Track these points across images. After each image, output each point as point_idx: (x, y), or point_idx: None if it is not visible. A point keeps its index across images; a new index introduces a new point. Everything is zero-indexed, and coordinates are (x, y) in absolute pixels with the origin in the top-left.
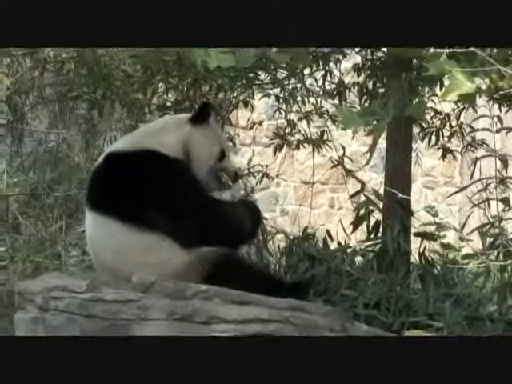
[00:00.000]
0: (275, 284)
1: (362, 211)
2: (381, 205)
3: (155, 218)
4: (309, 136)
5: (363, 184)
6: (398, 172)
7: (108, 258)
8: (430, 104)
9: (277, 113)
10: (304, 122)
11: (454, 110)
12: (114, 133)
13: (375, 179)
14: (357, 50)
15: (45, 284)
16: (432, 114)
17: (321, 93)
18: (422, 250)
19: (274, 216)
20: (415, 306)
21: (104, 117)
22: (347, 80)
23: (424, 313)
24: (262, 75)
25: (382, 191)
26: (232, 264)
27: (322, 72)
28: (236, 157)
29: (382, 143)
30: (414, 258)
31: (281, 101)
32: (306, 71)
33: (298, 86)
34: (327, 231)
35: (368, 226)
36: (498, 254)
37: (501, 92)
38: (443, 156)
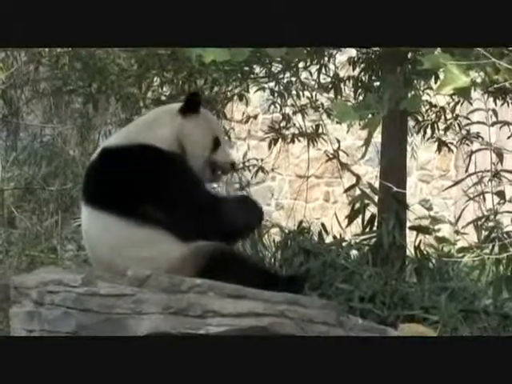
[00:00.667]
0: (270, 278)
1: (358, 205)
2: (376, 198)
3: (151, 212)
4: (304, 130)
5: (358, 178)
6: (394, 165)
7: (104, 252)
8: (425, 97)
9: (272, 107)
10: (299, 116)
11: (448, 104)
12: (109, 127)
13: (370, 173)
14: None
15: (40, 278)
16: (427, 107)
17: (316, 86)
18: (417, 243)
19: (269, 210)
20: (410, 299)
21: (99, 111)
22: (342, 74)
23: (419, 306)
24: (257, 69)
25: (377, 185)
26: (227, 258)
27: (317, 66)
28: (231, 151)
29: (378, 137)
30: (410, 251)
31: (276, 95)
32: (301, 65)
33: (293, 79)
34: (322, 225)
35: (363, 220)
36: (493, 247)
37: (496, 85)
38: (439, 149)
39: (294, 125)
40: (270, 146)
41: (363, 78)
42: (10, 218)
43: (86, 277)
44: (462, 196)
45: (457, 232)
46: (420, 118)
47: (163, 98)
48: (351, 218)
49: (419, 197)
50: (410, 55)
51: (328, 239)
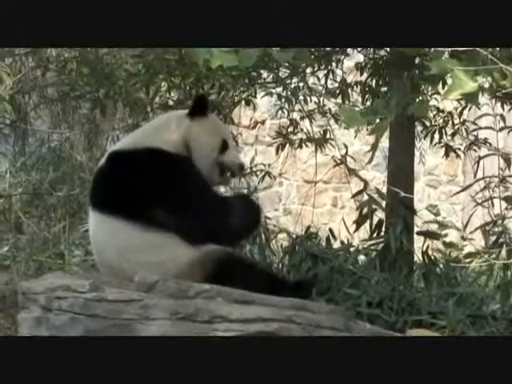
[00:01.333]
0: (278, 283)
1: (365, 210)
2: (384, 204)
3: (159, 216)
4: (311, 135)
5: (366, 183)
6: (401, 171)
7: (111, 257)
8: (432, 102)
9: (279, 112)
10: (306, 121)
11: (456, 109)
12: (116, 132)
13: (378, 178)
14: (359, 48)
15: (48, 284)
16: (435, 112)
17: (323, 92)
18: (424, 248)
19: (276, 215)
20: (418, 304)
21: (107, 116)
22: (350, 79)
23: (427, 311)
24: (265, 74)
25: (384, 190)
26: (235, 263)
27: (325, 71)
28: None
29: (385, 142)
30: (417, 256)
31: (283, 100)
32: (309, 70)
33: (301, 84)
34: (330, 230)
35: (371, 225)
36: (501, 252)
37: (503, 91)
38: (446, 154)
39: (302, 130)
40: (277, 152)
41: (371, 84)
42: (17, 224)
43: (94, 282)
44: (470, 201)
45: (464, 237)
46: (427, 123)
47: (171, 102)
48: (359, 223)
49: (427, 202)
50: (417, 60)
51: (336, 244)
